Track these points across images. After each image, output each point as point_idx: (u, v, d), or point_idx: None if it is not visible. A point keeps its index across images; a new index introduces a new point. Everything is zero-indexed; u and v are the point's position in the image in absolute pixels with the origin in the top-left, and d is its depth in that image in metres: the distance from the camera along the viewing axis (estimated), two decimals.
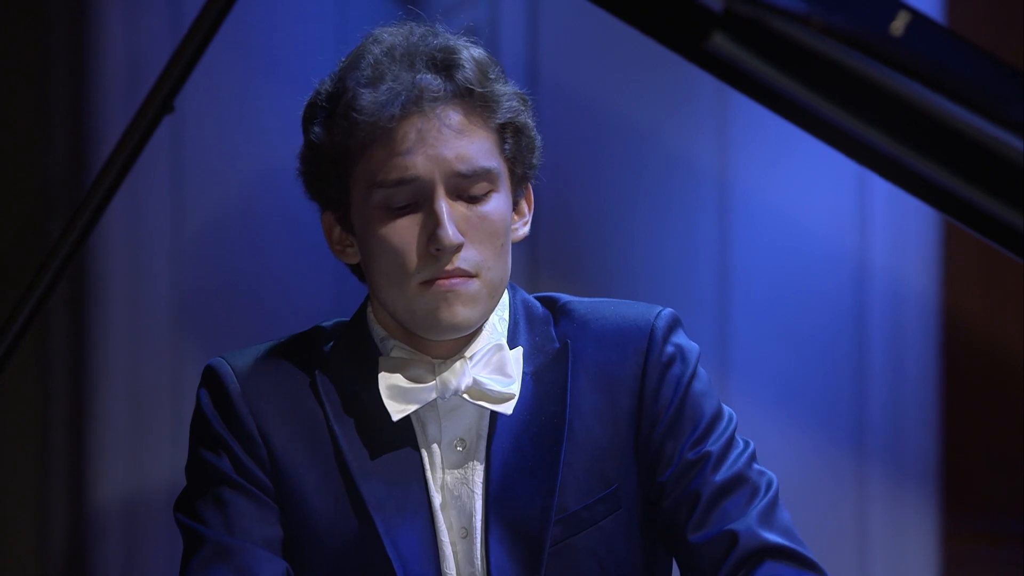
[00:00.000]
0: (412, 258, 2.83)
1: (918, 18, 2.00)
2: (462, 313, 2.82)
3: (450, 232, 2.81)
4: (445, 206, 2.83)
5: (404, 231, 2.84)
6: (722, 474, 2.89)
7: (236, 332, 4.30)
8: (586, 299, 2.97)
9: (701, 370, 2.95)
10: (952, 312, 4.45)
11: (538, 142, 2.96)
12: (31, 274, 2.44)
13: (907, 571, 4.42)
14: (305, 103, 2.92)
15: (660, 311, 2.95)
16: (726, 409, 2.95)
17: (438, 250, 2.81)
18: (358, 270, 2.94)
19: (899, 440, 4.41)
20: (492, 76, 2.91)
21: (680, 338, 2.95)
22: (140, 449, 4.32)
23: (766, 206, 4.37)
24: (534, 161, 2.95)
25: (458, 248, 2.82)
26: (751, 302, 4.35)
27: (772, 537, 2.85)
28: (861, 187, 4.33)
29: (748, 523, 2.86)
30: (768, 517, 2.87)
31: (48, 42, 4.26)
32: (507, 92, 2.92)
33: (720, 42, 2.00)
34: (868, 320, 4.38)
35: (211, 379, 2.92)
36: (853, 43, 1.98)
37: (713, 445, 2.90)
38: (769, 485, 2.91)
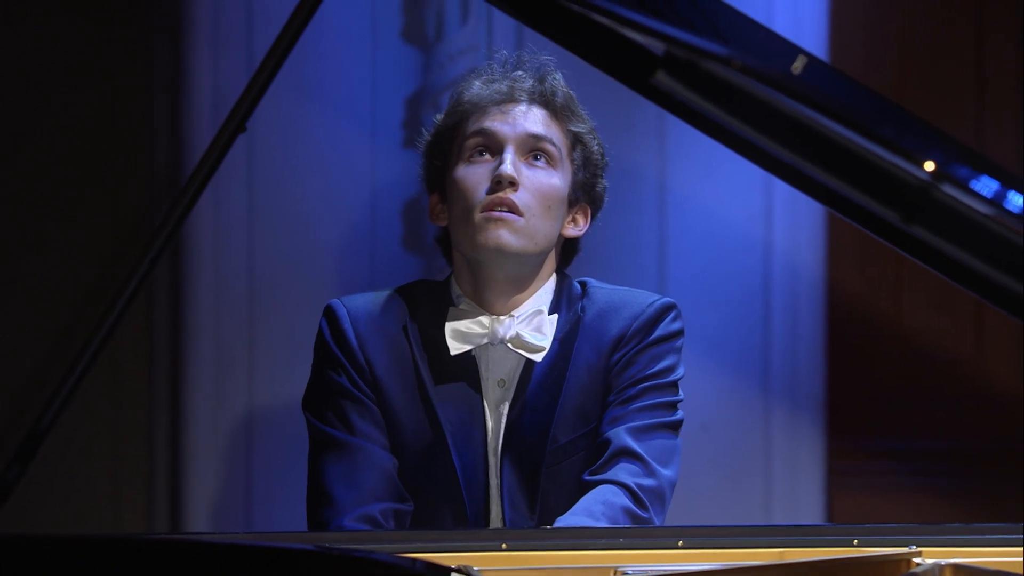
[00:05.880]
0: (479, 193, 2.82)
1: (812, 60, 1.98)
2: (505, 237, 2.81)
3: (509, 167, 2.80)
4: (511, 153, 2.83)
5: (477, 173, 2.84)
6: (632, 406, 2.86)
7: (296, 298, 4.29)
8: (608, 285, 2.97)
9: (673, 343, 2.91)
10: (835, 284, 4.44)
11: (601, 168, 2.95)
12: (139, 252, 2.43)
13: (802, 481, 4.41)
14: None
15: (660, 298, 2.93)
16: (677, 371, 2.91)
17: (498, 183, 2.80)
18: (446, 238, 2.93)
19: (795, 381, 4.40)
20: (574, 102, 2.91)
21: (667, 318, 2.91)
22: (223, 386, 4.31)
23: (695, 205, 4.35)
24: (595, 177, 2.94)
25: (512, 183, 2.80)
26: (683, 278, 4.33)
27: (634, 445, 2.81)
28: (767, 188, 4.32)
29: (620, 432, 2.82)
30: (642, 434, 2.83)
31: (152, 76, 4.24)
32: (583, 116, 2.92)
33: (662, 78, 1.99)
34: (772, 291, 4.37)
35: (330, 315, 2.91)
36: (763, 79, 1.96)
37: (637, 387, 2.87)
38: (661, 418, 2.87)
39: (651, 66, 1.99)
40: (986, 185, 1.94)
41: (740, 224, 4.34)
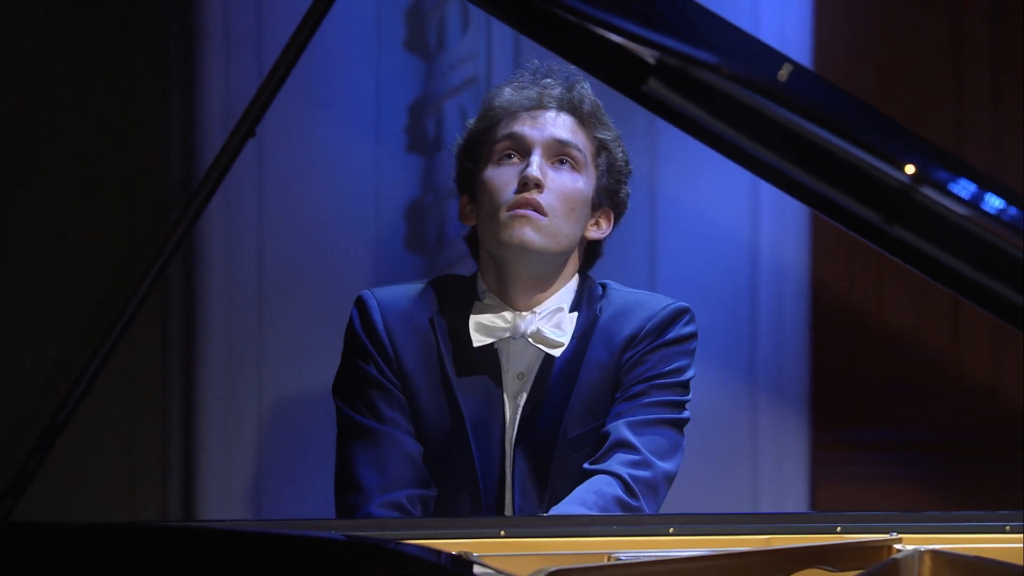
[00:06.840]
0: (507, 193, 2.82)
1: (798, 68, 1.98)
2: (528, 235, 2.80)
3: (535, 169, 2.80)
4: (538, 157, 2.82)
5: (506, 174, 2.83)
6: (637, 402, 2.85)
7: (304, 299, 4.29)
8: (627, 288, 2.96)
9: (685, 346, 2.90)
10: (819, 282, 4.44)
11: (624, 174, 2.94)
12: (152, 253, 2.42)
13: (787, 471, 4.41)
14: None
15: (674, 302, 2.92)
16: (686, 373, 2.90)
17: (525, 184, 2.79)
18: (473, 237, 2.92)
19: (781, 375, 4.40)
20: (600, 111, 2.91)
21: (680, 321, 2.90)
22: (234, 386, 4.30)
23: (684, 207, 4.35)
24: (619, 183, 2.93)
25: (538, 184, 2.80)
26: (673, 277, 4.33)
27: (631, 437, 2.80)
28: (754, 191, 4.32)
29: (619, 425, 2.81)
30: (640, 428, 2.82)
31: (167, 83, 4.24)
32: (609, 124, 2.92)
33: (654, 85, 1.99)
34: (759, 288, 4.37)
35: (361, 306, 2.90)
36: (751, 86, 1.96)
37: (644, 385, 2.86)
38: (663, 415, 2.86)
39: (643, 73, 1.99)
40: (964, 187, 1.94)
41: (728, 225, 4.34)
